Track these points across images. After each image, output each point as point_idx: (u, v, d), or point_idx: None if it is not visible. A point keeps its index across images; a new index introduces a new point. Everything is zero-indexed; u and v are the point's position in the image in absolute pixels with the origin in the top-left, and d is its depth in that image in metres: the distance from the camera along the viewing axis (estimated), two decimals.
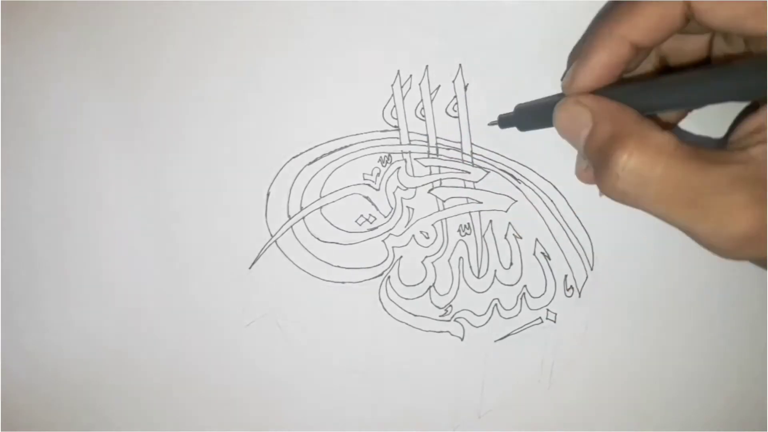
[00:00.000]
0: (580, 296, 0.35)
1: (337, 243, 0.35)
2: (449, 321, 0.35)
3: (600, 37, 0.27)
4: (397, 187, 0.34)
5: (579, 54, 0.28)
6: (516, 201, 0.34)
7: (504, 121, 0.32)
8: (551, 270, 0.35)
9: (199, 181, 0.34)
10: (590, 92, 0.27)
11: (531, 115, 0.31)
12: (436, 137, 0.34)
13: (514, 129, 0.32)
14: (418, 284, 0.35)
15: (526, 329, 0.35)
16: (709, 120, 0.32)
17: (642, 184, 0.24)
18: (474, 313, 0.35)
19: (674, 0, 0.25)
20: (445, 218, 0.34)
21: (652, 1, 0.25)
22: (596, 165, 0.26)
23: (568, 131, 0.27)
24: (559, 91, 0.30)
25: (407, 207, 0.34)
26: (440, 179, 0.34)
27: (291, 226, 0.35)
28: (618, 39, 0.26)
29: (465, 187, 0.34)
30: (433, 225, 0.34)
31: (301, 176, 0.34)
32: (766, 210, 0.23)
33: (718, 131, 0.32)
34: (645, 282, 0.35)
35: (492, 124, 0.33)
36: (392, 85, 0.33)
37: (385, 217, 0.34)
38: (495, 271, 0.35)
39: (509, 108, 0.32)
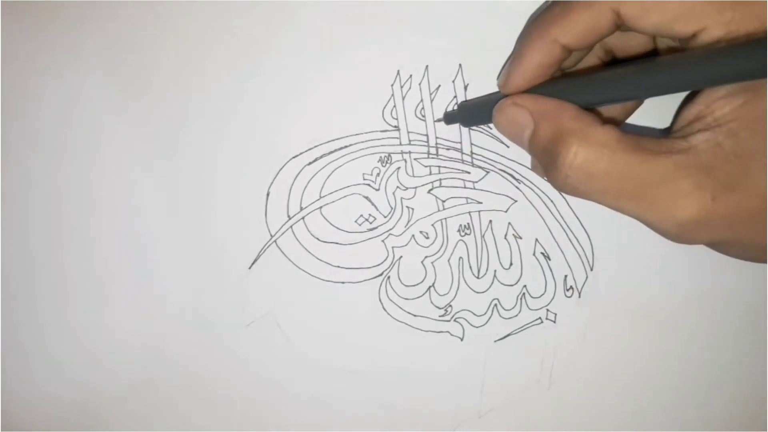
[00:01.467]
0: (580, 296, 0.35)
1: (336, 243, 0.35)
2: (449, 321, 0.35)
3: (532, 38, 0.27)
4: (397, 187, 0.34)
5: (513, 54, 0.29)
6: (516, 201, 0.34)
7: (449, 118, 0.33)
8: (551, 270, 0.35)
9: (199, 181, 0.34)
10: (527, 90, 0.28)
11: (473, 113, 0.32)
12: (436, 137, 0.34)
13: None
14: (417, 284, 0.35)
15: (526, 329, 0.35)
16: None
17: (589, 179, 0.25)
18: (474, 313, 0.35)
19: (604, 7, 0.25)
20: (445, 218, 0.34)
21: (583, 6, 0.26)
22: (544, 164, 0.26)
23: (509, 133, 0.28)
24: None
25: (407, 207, 0.34)
26: (440, 179, 0.34)
27: (291, 226, 0.35)
28: (550, 41, 0.27)
29: (465, 187, 0.34)
30: (432, 225, 0.34)
31: (301, 176, 0.34)
32: (709, 196, 0.23)
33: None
34: (645, 282, 0.35)
35: (438, 120, 0.33)
36: (392, 85, 0.33)
37: (385, 217, 0.34)
38: (495, 271, 0.35)
39: None
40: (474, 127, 0.33)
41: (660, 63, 0.24)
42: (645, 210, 0.25)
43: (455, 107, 0.33)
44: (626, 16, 0.25)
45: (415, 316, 0.35)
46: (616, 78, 0.25)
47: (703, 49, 0.24)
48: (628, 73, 0.25)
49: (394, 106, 0.33)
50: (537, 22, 0.28)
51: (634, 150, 0.24)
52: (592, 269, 0.35)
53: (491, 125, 0.32)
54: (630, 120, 0.32)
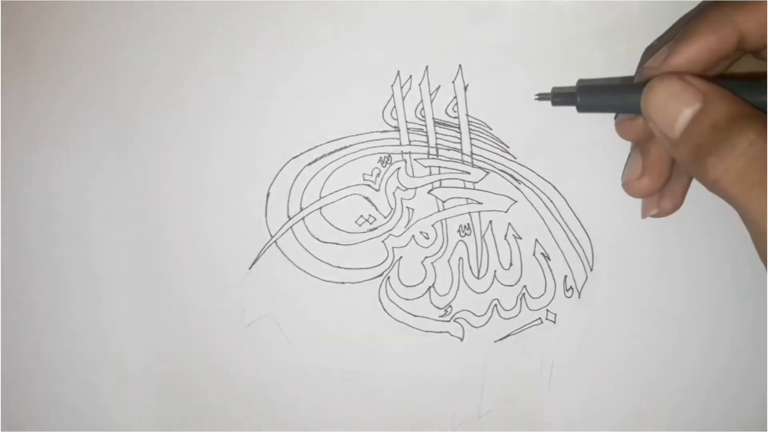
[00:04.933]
0: (579, 297, 0.35)
1: (336, 243, 0.35)
2: (449, 321, 0.35)
3: (710, 18, 0.25)
4: (397, 187, 0.34)
5: (679, 33, 0.26)
6: (516, 201, 0.34)
7: (559, 97, 0.28)
8: (551, 270, 0.34)
9: (199, 181, 0.34)
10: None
11: (602, 95, 0.27)
12: (436, 138, 0.34)
13: (513, 131, 0.32)
14: (417, 285, 0.35)
15: (526, 330, 0.35)
16: None
17: (760, 171, 0.21)
18: (474, 314, 0.35)
19: None
20: (445, 219, 0.34)
21: None
22: (702, 148, 0.23)
23: (662, 111, 0.24)
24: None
25: (407, 207, 0.34)
26: (440, 180, 0.34)
27: (291, 227, 0.35)
28: (730, 24, 0.24)
29: (465, 188, 0.34)
30: (432, 225, 0.34)
31: (301, 177, 0.34)
32: None
33: None
34: (645, 282, 0.34)
35: (542, 97, 0.29)
36: (392, 86, 0.33)
37: (385, 217, 0.34)
38: (495, 271, 0.35)
39: (509, 109, 0.32)
40: (474, 129, 0.33)
41: None
42: None
43: (575, 86, 0.29)
44: None
45: (415, 316, 0.35)
46: None
47: None
48: None
49: (394, 107, 0.33)
50: (719, 3, 0.25)
51: None
52: (592, 269, 0.35)
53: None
54: None
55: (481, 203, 0.34)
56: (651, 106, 0.25)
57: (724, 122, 0.23)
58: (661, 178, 0.29)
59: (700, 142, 0.23)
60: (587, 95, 0.27)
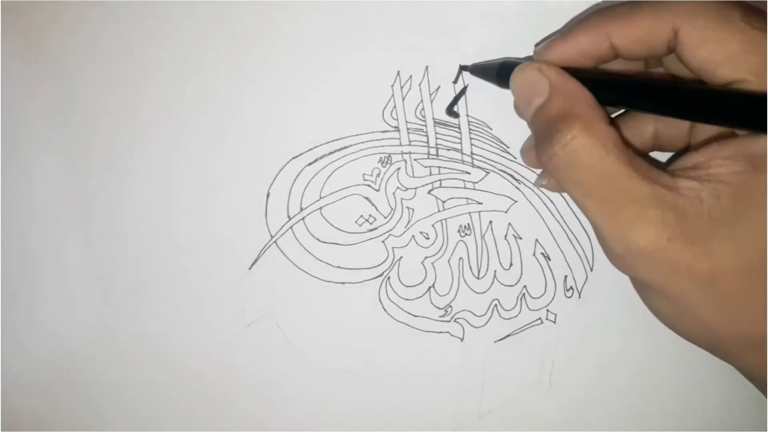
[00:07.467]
0: (579, 297, 0.35)
1: (336, 243, 0.35)
2: (449, 321, 0.35)
3: (588, 24, 0.27)
4: (397, 187, 0.34)
5: (564, 30, 0.29)
6: (516, 201, 0.34)
7: (469, 70, 0.32)
8: (551, 270, 0.35)
9: (199, 181, 0.34)
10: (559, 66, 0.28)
11: (488, 68, 0.31)
12: (436, 138, 0.34)
13: (513, 131, 0.32)
14: (418, 285, 0.35)
15: (526, 330, 0.35)
16: None
17: (572, 165, 0.25)
18: (474, 314, 0.35)
19: (666, 21, 0.25)
20: (445, 219, 0.34)
21: (647, 14, 0.26)
22: (540, 136, 0.27)
23: (522, 95, 0.28)
24: None
25: (407, 207, 0.34)
26: (440, 180, 0.34)
27: (291, 227, 0.35)
28: (603, 34, 0.27)
29: (465, 188, 0.34)
30: (433, 225, 0.34)
31: (301, 177, 0.34)
32: (666, 236, 0.24)
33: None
34: None
35: (465, 69, 0.33)
36: (392, 86, 0.33)
37: (385, 217, 0.34)
38: (495, 271, 0.35)
39: (509, 109, 0.32)
40: (474, 129, 0.33)
41: (682, 87, 0.25)
42: (605, 218, 0.25)
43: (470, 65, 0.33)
44: (683, 39, 0.25)
45: (415, 316, 0.35)
46: (635, 85, 0.26)
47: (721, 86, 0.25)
48: (650, 85, 0.26)
49: (394, 107, 0.33)
50: (599, 12, 0.27)
51: (625, 162, 0.24)
52: (592, 269, 0.35)
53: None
54: None
55: (481, 203, 0.34)
56: (514, 88, 0.28)
57: (554, 118, 0.26)
58: None
59: (538, 131, 0.27)
60: (476, 71, 0.32)
